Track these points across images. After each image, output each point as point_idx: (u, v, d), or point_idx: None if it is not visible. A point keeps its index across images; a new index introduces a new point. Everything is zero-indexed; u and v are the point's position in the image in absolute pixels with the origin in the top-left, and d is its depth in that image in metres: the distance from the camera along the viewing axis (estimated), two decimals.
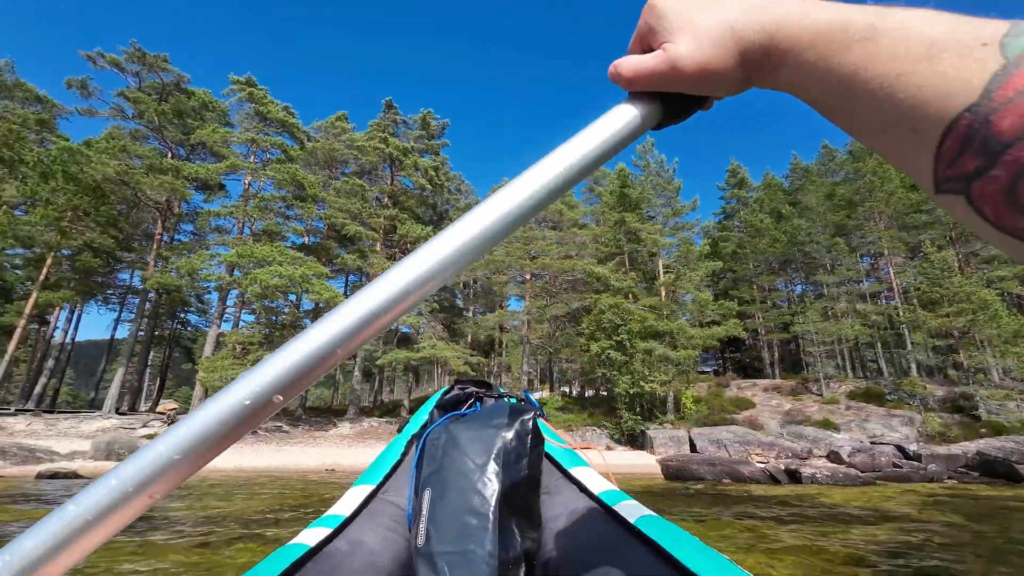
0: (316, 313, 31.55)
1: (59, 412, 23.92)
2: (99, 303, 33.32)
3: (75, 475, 10.56)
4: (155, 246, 25.60)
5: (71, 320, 33.89)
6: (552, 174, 0.35)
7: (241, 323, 26.32)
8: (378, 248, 30.64)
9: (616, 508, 0.75)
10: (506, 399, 1.00)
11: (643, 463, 18.38)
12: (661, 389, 22.25)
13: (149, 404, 39.78)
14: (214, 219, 25.82)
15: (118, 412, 24.92)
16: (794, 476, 13.78)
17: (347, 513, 0.79)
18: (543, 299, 29.49)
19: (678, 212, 27.63)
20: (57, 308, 30.50)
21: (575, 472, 0.93)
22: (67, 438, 17.54)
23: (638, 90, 0.36)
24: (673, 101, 0.36)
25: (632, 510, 0.73)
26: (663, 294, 25.75)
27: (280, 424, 25.70)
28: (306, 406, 35.15)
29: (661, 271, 26.52)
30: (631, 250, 27.47)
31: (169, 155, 26.30)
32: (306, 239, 31.76)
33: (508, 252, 28.15)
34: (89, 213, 22.34)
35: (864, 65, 0.27)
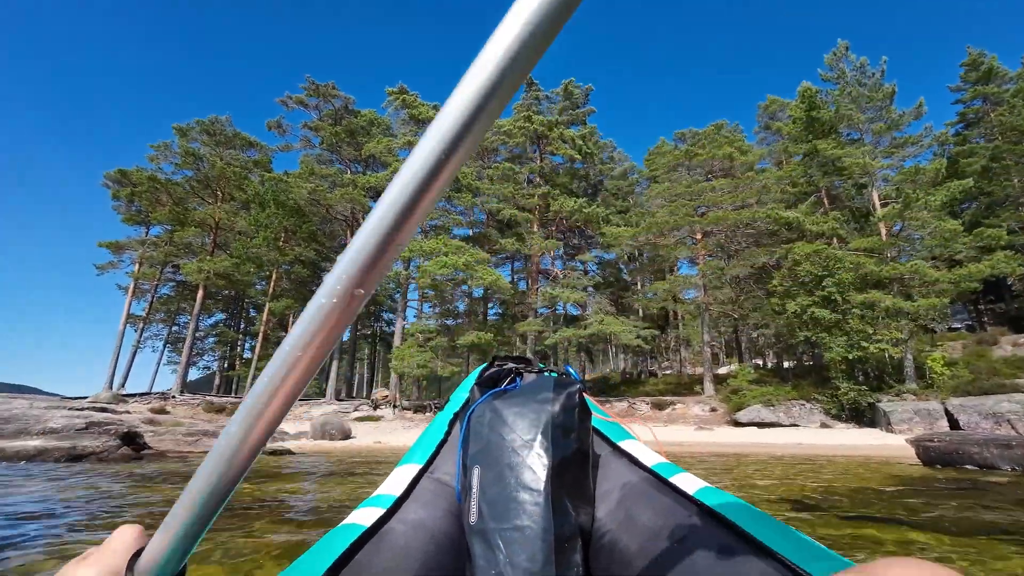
0: (486, 299, 32.95)
1: (298, 400, 28.90)
2: None
3: (288, 452, 12.01)
4: None
5: None
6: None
7: (421, 314, 28.49)
8: (535, 228, 30.42)
9: (672, 480, 0.73)
10: (547, 374, 0.97)
11: (878, 443, 14.64)
12: (895, 351, 17.47)
13: (365, 391, 46.18)
14: None
15: (337, 399, 29.14)
16: None
17: (397, 493, 0.79)
18: (720, 259, 25.89)
19: (895, 124, 21.30)
20: (290, 316, 37.28)
21: (625, 445, 0.92)
22: (298, 421, 20.75)
23: None
24: None
25: (690, 482, 0.71)
26: (883, 231, 20.25)
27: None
28: None
29: (877, 203, 20.89)
30: (829, 185, 22.27)
31: (348, 172, 29.66)
32: (471, 231, 33.17)
33: (672, 211, 25.29)
34: (296, 232, 26.16)
35: None
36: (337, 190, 26.11)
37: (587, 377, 40.30)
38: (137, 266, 31.42)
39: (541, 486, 0.72)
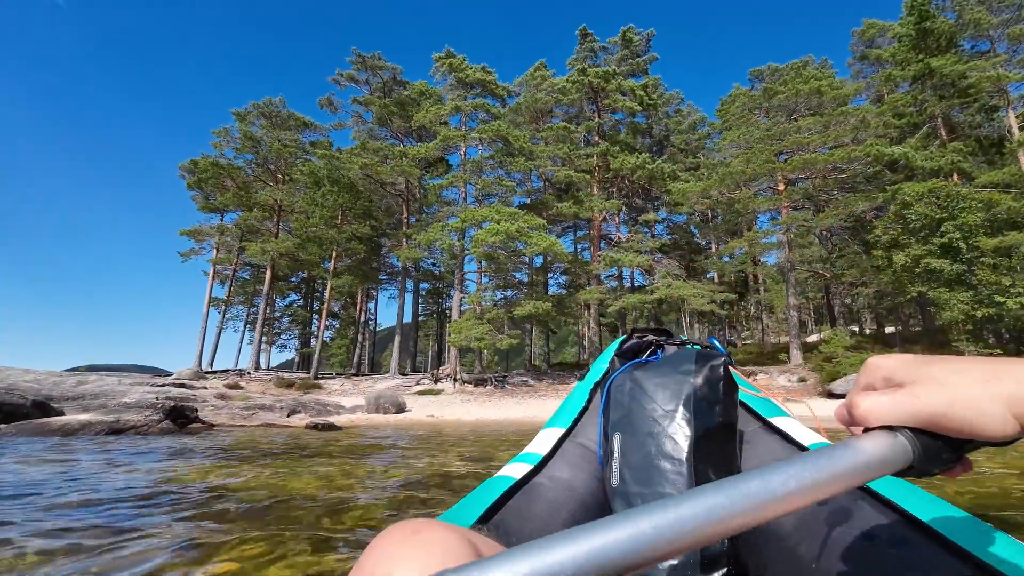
0: (546, 268, 31.64)
1: (363, 375, 29.45)
2: (386, 290, 40.64)
3: (332, 426, 11.63)
4: (404, 228, 28.86)
5: (375, 309, 42.19)
6: (770, 491, 0.29)
7: (480, 286, 27.77)
8: (594, 191, 28.48)
9: None
10: (689, 346, 0.97)
11: None
12: None
13: (430, 367, 46.95)
14: (443, 191, 27.82)
15: (401, 373, 29.37)
16: None
17: (543, 452, 0.84)
18: (807, 211, 22.72)
19: None
20: (360, 295, 38.18)
21: (777, 422, 0.89)
22: (359, 395, 20.84)
23: (877, 424, 0.34)
24: (925, 443, 0.32)
25: None
26: (1023, 161, 16.48)
27: (526, 379, 26.48)
28: (551, 362, 36.03)
29: (1015, 126, 17.01)
30: (947, 112, 18.47)
31: (400, 145, 29.20)
32: (528, 199, 31.83)
33: (749, 159, 22.38)
34: (351, 208, 26.11)
35: None
36: (389, 163, 25.67)
37: None
38: (215, 252, 33.22)
39: (683, 456, 0.72)
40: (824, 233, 25.60)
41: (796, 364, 21.28)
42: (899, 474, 0.33)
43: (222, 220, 32.76)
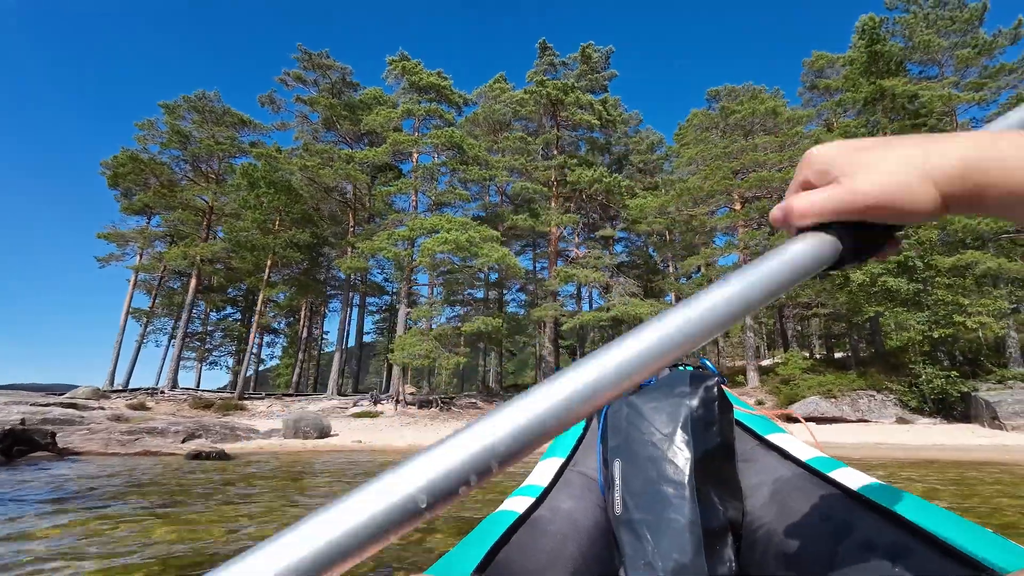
0: (501, 284, 30.26)
1: (299, 396, 26.92)
2: (330, 303, 38.09)
3: (222, 455, 9.64)
4: (349, 237, 26.95)
5: (321, 323, 39.46)
6: (709, 309, 0.29)
7: (424, 299, 26.06)
8: (552, 205, 27.52)
9: (832, 475, 0.69)
10: (681, 368, 0.96)
11: (974, 444, 11.40)
12: (998, 326, 13.83)
13: (385, 387, 44.30)
14: (393, 199, 26.14)
15: (341, 394, 27.05)
16: None
17: (544, 483, 0.82)
18: (763, 229, 22.38)
19: (986, 49, 17.32)
20: (304, 310, 35.56)
21: (773, 439, 0.89)
22: (274, 418, 18.57)
23: (810, 223, 0.33)
24: (855, 234, 0.32)
25: (852, 477, 0.67)
26: None
27: (475, 401, 24.73)
28: (504, 383, 34.38)
29: None
30: (901, 130, 18.49)
31: (350, 149, 27.49)
32: (485, 212, 30.54)
33: (706, 176, 21.94)
34: (289, 212, 24.07)
35: None
36: (333, 165, 23.89)
37: None
38: (138, 257, 30.21)
39: (685, 479, 0.71)
40: None
41: (753, 387, 20.59)
42: (830, 268, 0.33)
43: (148, 223, 29.88)
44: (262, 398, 24.97)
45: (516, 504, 0.73)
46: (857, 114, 21.79)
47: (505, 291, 31.19)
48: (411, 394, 26.63)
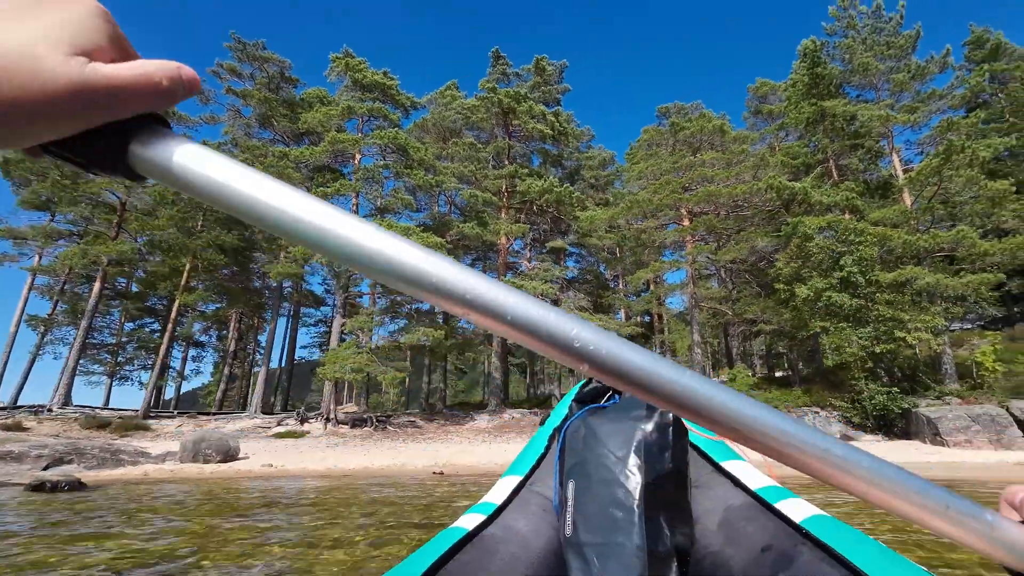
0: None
1: (218, 414, 24.32)
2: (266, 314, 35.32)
3: (77, 485, 7.80)
4: (281, 240, 24.92)
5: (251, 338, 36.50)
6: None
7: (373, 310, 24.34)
8: (502, 216, 26.64)
9: (778, 506, 0.71)
10: None
11: (920, 460, 11.15)
12: (936, 342, 13.88)
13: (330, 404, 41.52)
14: (331, 201, 24.40)
15: (266, 412, 24.69)
16: None
17: (499, 502, 0.81)
18: (710, 242, 22.33)
19: (919, 74, 18.02)
20: (233, 321, 32.73)
21: (728, 466, 0.88)
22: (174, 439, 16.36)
23: None
24: None
25: (798, 508, 0.68)
26: (908, 200, 16.82)
27: (415, 420, 23.07)
28: (446, 401, 32.77)
29: (899, 166, 17.52)
30: (839, 152, 18.87)
31: (287, 147, 25.63)
32: (432, 221, 29.27)
33: (656, 189, 21.70)
34: (213, 211, 21.96)
35: None
36: (264, 161, 22.04)
37: (568, 387, 36.35)
38: (37, 258, 26.86)
39: (634, 503, 0.71)
40: (726, 272, 25.54)
41: None
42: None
43: (52, 220, 26.65)
44: (172, 417, 22.31)
45: (467, 521, 0.71)
46: (799, 137, 22.28)
47: None
48: (346, 413, 24.68)
